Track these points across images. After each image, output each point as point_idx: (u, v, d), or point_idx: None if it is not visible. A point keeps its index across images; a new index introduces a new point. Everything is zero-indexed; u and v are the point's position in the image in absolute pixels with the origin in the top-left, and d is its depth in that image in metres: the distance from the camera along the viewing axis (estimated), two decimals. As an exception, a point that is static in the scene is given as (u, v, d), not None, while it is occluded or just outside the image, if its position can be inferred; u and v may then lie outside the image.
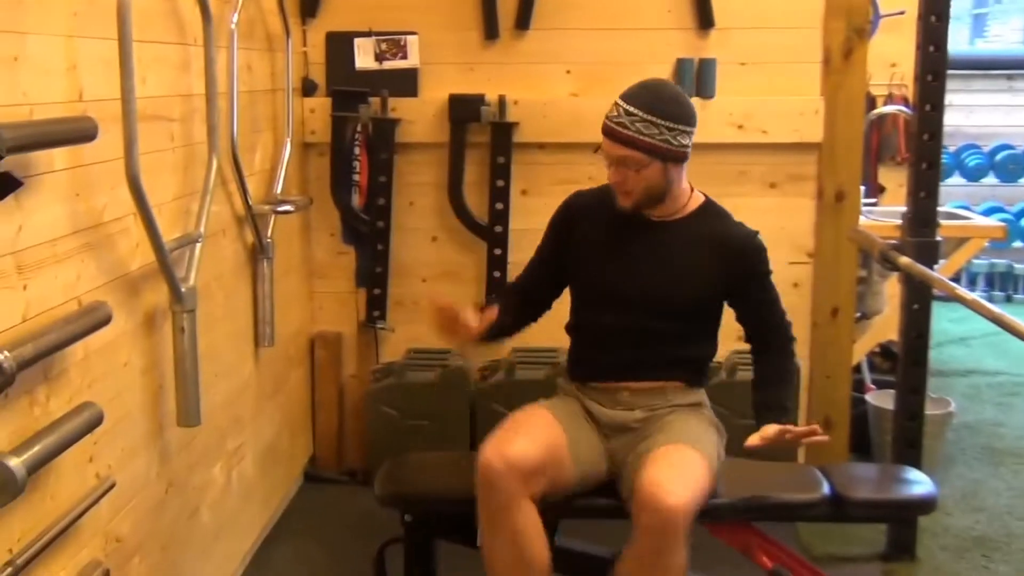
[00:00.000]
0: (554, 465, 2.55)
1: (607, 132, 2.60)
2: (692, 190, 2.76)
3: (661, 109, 2.57)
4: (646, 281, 2.70)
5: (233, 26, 3.09)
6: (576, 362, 2.85)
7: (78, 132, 2.09)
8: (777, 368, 2.77)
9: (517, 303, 2.86)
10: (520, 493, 2.46)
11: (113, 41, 2.23)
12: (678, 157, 2.62)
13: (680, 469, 2.46)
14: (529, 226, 3.96)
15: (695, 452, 2.55)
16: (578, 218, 2.81)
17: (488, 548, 2.51)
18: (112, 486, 2.28)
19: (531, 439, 2.53)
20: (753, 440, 2.58)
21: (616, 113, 2.59)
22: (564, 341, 3.94)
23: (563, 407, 2.74)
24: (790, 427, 2.57)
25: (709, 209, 2.77)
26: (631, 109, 2.56)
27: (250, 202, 3.22)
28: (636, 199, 2.64)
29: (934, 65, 3.27)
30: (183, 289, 2.58)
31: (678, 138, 2.59)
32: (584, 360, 2.82)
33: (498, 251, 3.99)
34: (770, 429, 2.57)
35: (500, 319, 2.71)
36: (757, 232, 2.76)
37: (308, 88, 4.00)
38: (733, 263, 2.70)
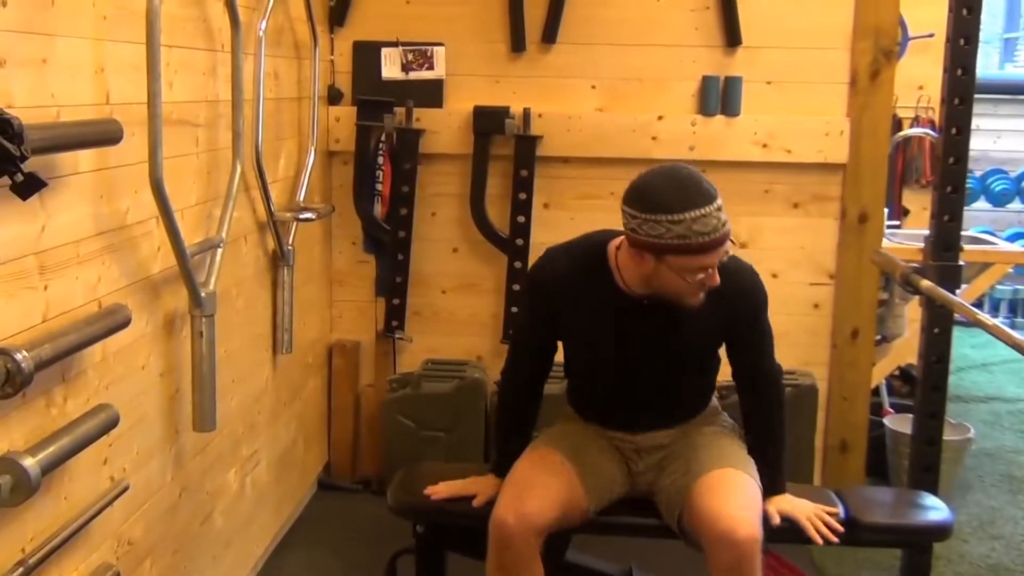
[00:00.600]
0: (568, 510, 2.52)
1: (718, 243, 2.36)
2: None
3: (716, 194, 2.39)
4: (651, 360, 2.60)
5: (261, 33, 3.10)
6: (580, 407, 2.77)
7: (103, 135, 2.10)
8: (770, 431, 2.67)
9: (528, 399, 2.76)
10: (534, 551, 2.44)
11: (141, 45, 2.24)
12: None
13: (742, 497, 2.46)
14: (550, 240, 3.94)
15: (747, 476, 2.54)
16: (561, 302, 2.60)
17: None
18: (126, 489, 2.29)
19: (545, 490, 2.49)
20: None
21: (715, 224, 2.34)
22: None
23: (574, 436, 2.68)
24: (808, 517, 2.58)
25: None
26: (710, 209, 2.34)
27: (272, 209, 3.23)
28: None
29: (961, 89, 3.24)
30: (203, 294, 2.59)
31: None
32: (590, 410, 2.75)
33: (518, 264, 3.99)
34: (779, 510, 2.57)
35: (517, 449, 2.68)
36: (753, 271, 2.61)
37: (334, 96, 4.01)
38: (731, 313, 2.56)
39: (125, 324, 2.21)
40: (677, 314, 2.51)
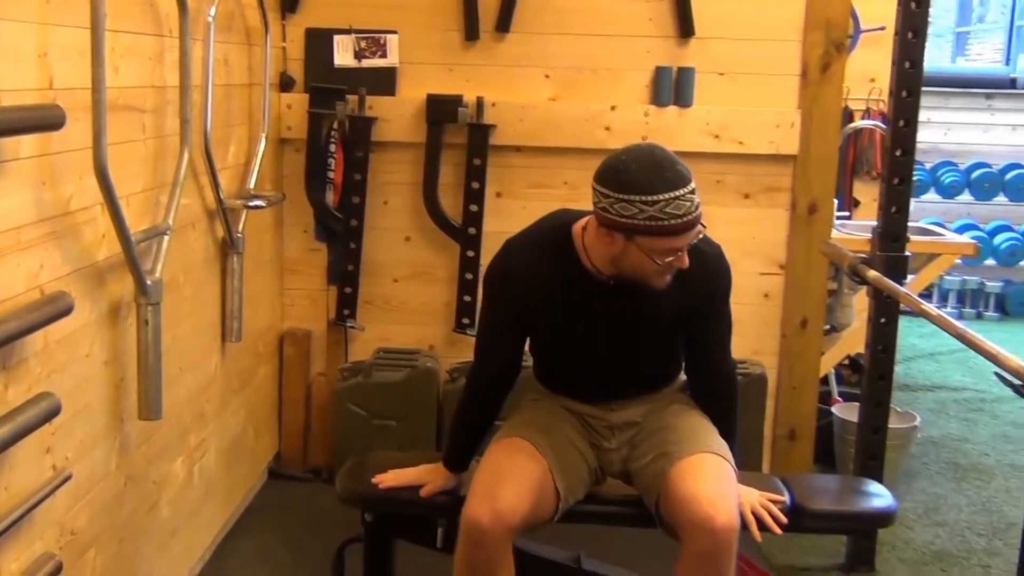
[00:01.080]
0: (540, 503, 2.48)
1: (689, 226, 2.34)
2: None
3: (690, 177, 2.37)
4: (621, 342, 2.58)
5: (210, 19, 3.07)
6: (549, 382, 2.74)
7: (44, 120, 2.08)
8: (724, 426, 2.65)
9: (493, 402, 2.69)
10: (506, 549, 2.41)
11: (86, 30, 2.22)
12: None
13: (720, 484, 2.44)
14: (503, 229, 3.94)
15: (724, 461, 2.53)
16: (527, 288, 2.54)
17: None
18: (68, 478, 2.26)
19: (518, 485, 2.42)
20: None
21: (688, 207, 2.32)
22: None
23: (543, 423, 2.63)
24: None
25: None
26: (684, 191, 2.32)
27: (222, 196, 3.21)
28: None
29: (909, 81, 3.29)
30: (149, 281, 2.56)
31: None
32: (560, 386, 2.72)
33: (471, 253, 3.99)
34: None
35: (473, 445, 2.68)
36: (721, 252, 2.59)
37: (285, 83, 3.98)
38: (696, 293, 2.54)
39: (67, 312, 2.19)
40: (645, 294, 2.49)
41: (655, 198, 2.30)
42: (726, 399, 2.70)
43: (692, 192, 2.34)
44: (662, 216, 2.30)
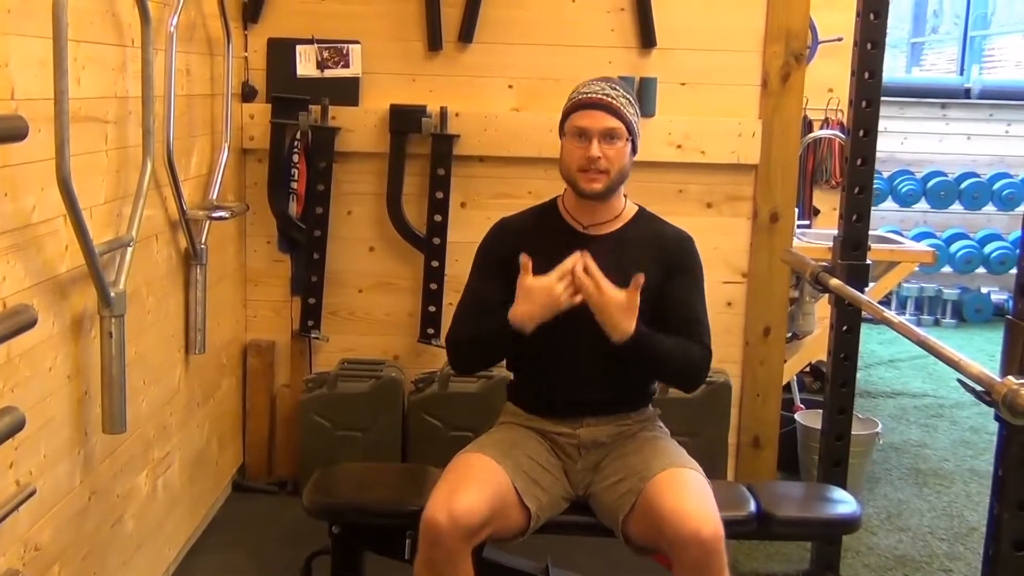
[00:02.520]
0: (502, 514, 2.50)
1: (593, 103, 2.61)
2: (626, 200, 2.78)
3: (632, 94, 2.69)
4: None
5: (172, 29, 3.05)
6: (526, 396, 2.78)
7: (7, 131, 2.04)
8: (681, 342, 2.67)
9: None
10: (463, 551, 2.42)
11: (48, 40, 2.20)
12: (636, 146, 2.69)
13: (699, 495, 2.47)
14: (467, 239, 3.97)
15: (697, 473, 2.57)
16: (514, 244, 2.68)
17: None
18: (32, 493, 2.23)
19: (477, 491, 2.46)
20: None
21: (597, 88, 2.64)
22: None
23: (505, 443, 2.66)
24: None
25: (643, 215, 2.80)
26: (610, 87, 2.64)
27: (185, 207, 3.19)
28: (610, 179, 2.63)
29: (868, 92, 3.32)
30: (112, 293, 2.54)
31: (639, 126, 2.68)
32: (538, 396, 2.75)
33: (435, 263, 3.98)
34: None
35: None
36: (692, 237, 2.80)
37: (248, 94, 3.96)
38: (666, 258, 2.72)
39: (31, 325, 2.15)
40: (620, 248, 2.69)
41: (578, 86, 2.70)
42: (691, 347, 2.70)
43: (613, 89, 2.64)
44: (573, 96, 2.67)
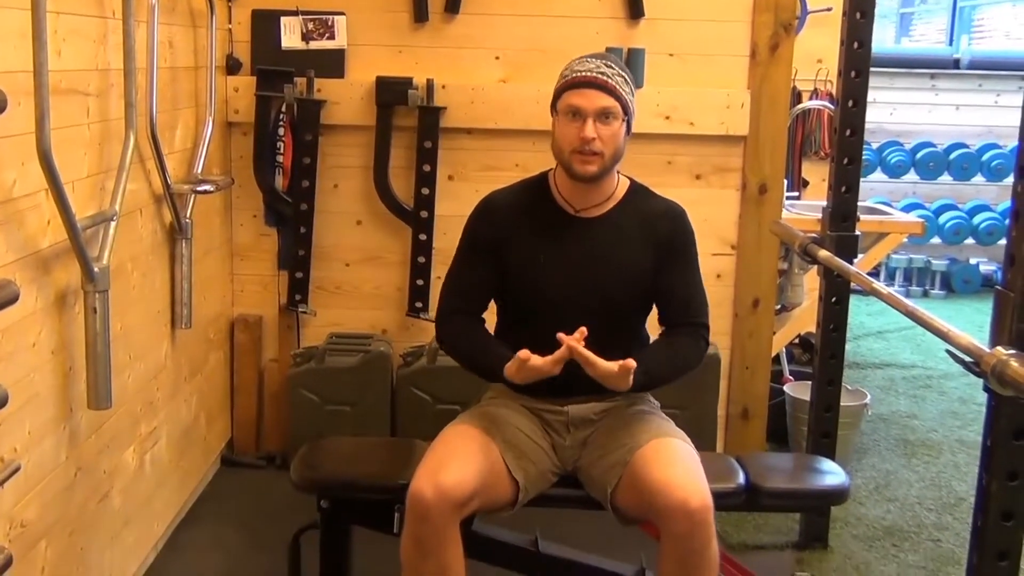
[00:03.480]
0: (490, 487, 2.49)
1: (588, 82, 2.52)
2: (619, 176, 2.72)
3: (628, 73, 2.60)
4: (588, 282, 2.62)
5: (154, 0, 3.01)
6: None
7: (-15, 104, 2.02)
8: (673, 346, 2.66)
9: (475, 319, 2.74)
10: (451, 524, 2.40)
11: (26, 11, 2.16)
12: (631, 126, 2.61)
13: (687, 465, 2.46)
14: (455, 212, 3.95)
15: (685, 443, 2.56)
16: (504, 226, 2.67)
17: (411, 572, 2.45)
18: (17, 470, 2.22)
19: (464, 465, 2.44)
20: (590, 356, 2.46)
21: (592, 66, 2.55)
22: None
23: (494, 416, 2.64)
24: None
25: (635, 191, 2.73)
26: (605, 65, 2.56)
27: (169, 181, 3.16)
28: (604, 161, 2.55)
29: (857, 62, 3.31)
30: (96, 268, 2.52)
31: (635, 104, 2.61)
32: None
33: (423, 236, 3.96)
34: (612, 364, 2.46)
35: (492, 340, 2.69)
36: (685, 211, 2.73)
37: (232, 66, 3.92)
38: (660, 233, 2.66)
39: (13, 300, 2.13)
40: (613, 233, 2.64)
41: (570, 63, 2.61)
42: (689, 332, 2.68)
43: (608, 67, 2.55)
44: (567, 73, 2.59)
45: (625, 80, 2.57)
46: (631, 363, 2.45)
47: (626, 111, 2.56)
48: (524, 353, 2.47)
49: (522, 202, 2.71)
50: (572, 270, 2.63)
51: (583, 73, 2.54)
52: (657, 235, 2.67)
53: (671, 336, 2.71)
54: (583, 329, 2.44)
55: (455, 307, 2.73)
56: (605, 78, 2.53)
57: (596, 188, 2.64)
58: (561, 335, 2.45)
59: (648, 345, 2.71)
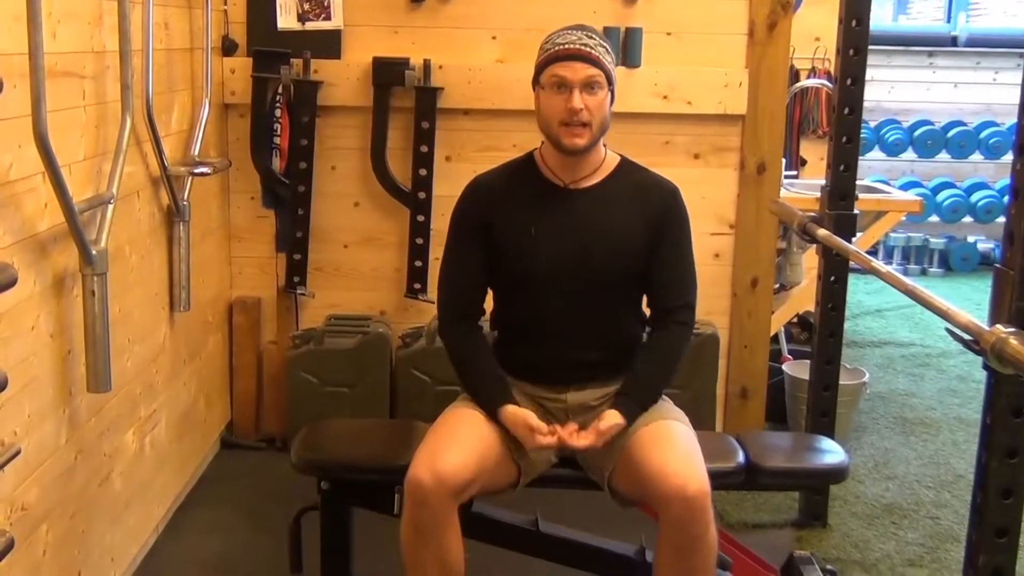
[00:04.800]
0: (490, 470, 2.49)
1: (571, 54, 2.50)
2: (606, 150, 2.69)
3: (607, 42, 2.59)
4: (580, 251, 2.59)
5: (149, -19, 3.00)
6: (512, 360, 2.70)
7: (-19, 87, 2.01)
8: (663, 354, 2.65)
9: (476, 331, 2.70)
10: (449, 510, 2.40)
11: (21, -7, 2.15)
12: (614, 95, 2.59)
13: (684, 449, 2.46)
14: (453, 193, 3.90)
15: (682, 425, 2.56)
16: (492, 205, 2.65)
17: (411, 558, 2.45)
18: (17, 453, 2.21)
19: (463, 449, 2.43)
20: (586, 437, 2.49)
21: (574, 38, 2.53)
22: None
23: None
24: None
25: (626, 166, 2.71)
26: (586, 36, 2.54)
27: (166, 163, 3.15)
28: (592, 132, 2.54)
29: (855, 40, 3.29)
30: (94, 251, 2.51)
31: (615, 73, 2.59)
32: (524, 362, 2.69)
33: (421, 217, 3.95)
34: (606, 424, 2.50)
35: (496, 372, 2.65)
36: (678, 189, 2.69)
37: (228, 48, 3.91)
38: (652, 208, 2.63)
39: (11, 284, 2.12)
40: (603, 202, 2.62)
41: (550, 36, 2.59)
42: (678, 325, 2.66)
43: (589, 37, 2.54)
44: (548, 46, 2.56)
45: (606, 50, 2.56)
46: (612, 423, 2.49)
47: (610, 80, 2.55)
48: (535, 423, 2.50)
49: (509, 181, 2.69)
50: (564, 240, 2.60)
51: (566, 45, 2.52)
52: (649, 208, 2.64)
53: (655, 338, 2.68)
54: (573, 426, 2.52)
55: (457, 311, 2.70)
56: (588, 49, 2.52)
57: (584, 160, 2.62)
58: (556, 427, 2.51)
59: (636, 366, 2.64)
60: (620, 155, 2.73)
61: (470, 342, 2.69)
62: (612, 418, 2.51)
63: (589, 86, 2.51)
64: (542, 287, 2.61)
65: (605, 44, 2.57)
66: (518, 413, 2.52)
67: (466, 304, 2.71)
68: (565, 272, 2.59)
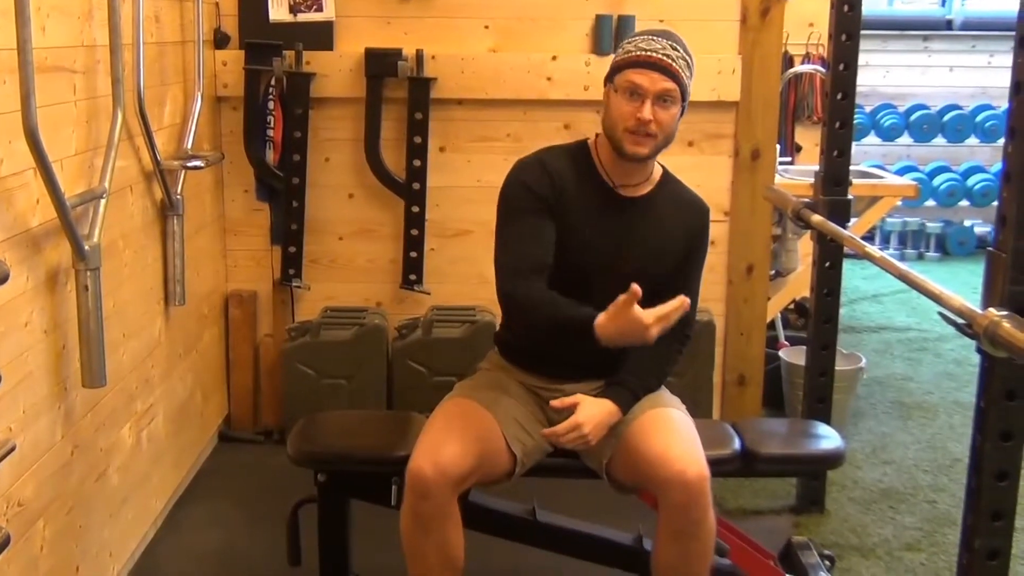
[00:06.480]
0: (488, 460, 2.48)
1: (650, 63, 2.44)
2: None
3: (691, 56, 2.53)
4: (624, 261, 2.56)
5: (139, -25, 2.99)
6: (515, 351, 2.70)
7: (-30, 83, 2.01)
8: (660, 352, 2.59)
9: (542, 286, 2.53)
10: (451, 501, 2.40)
11: (8, -12, 2.14)
12: (685, 110, 2.54)
13: (682, 435, 2.46)
14: (447, 183, 3.94)
15: (679, 412, 2.57)
16: (558, 189, 2.55)
17: (412, 549, 2.45)
18: (12, 449, 2.21)
19: (463, 440, 2.43)
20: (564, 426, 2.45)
21: (658, 46, 2.46)
22: (482, 299, 3.95)
23: (491, 388, 2.63)
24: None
25: (667, 178, 2.68)
26: (671, 47, 2.48)
27: (158, 157, 3.14)
28: (657, 144, 2.50)
29: (848, 25, 3.29)
30: (86, 247, 2.51)
31: (691, 89, 2.54)
32: (528, 353, 2.67)
33: (416, 209, 3.95)
34: (590, 408, 2.47)
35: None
36: (708, 208, 2.70)
37: (220, 40, 3.90)
38: (691, 226, 2.63)
39: (3, 280, 2.12)
40: (651, 215, 2.60)
41: (632, 36, 2.54)
42: (677, 332, 2.56)
43: (673, 48, 2.48)
44: (631, 48, 2.50)
45: (687, 64, 2.50)
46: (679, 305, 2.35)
47: (684, 96, 2.50)
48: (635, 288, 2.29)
49: (570, 168, 2.59)
50: (610, 247, 2.57)
51: (649, 52, 2.46)
52: (688, 225, 2.64)
53: (656, 343, 2.56)
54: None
55: (526, 265, 2.50)
56: (670, 60, 2.46)
57: (640, 168, 2.59)
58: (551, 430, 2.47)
59: (630, 362, 2.62)
60: (661, 164, 2.69)
61: (544, 292, 2.49)
62: (594, 406, 2.48)
63: (663, 99, 2.46)
64: (571, 287, 2.53)
65: (688, 57, 2.51)
66: (611, 312, 2.33)
67: (538, 265, 2.51)
68: (599, 276, 2.56)
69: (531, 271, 2.50)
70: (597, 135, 2.62)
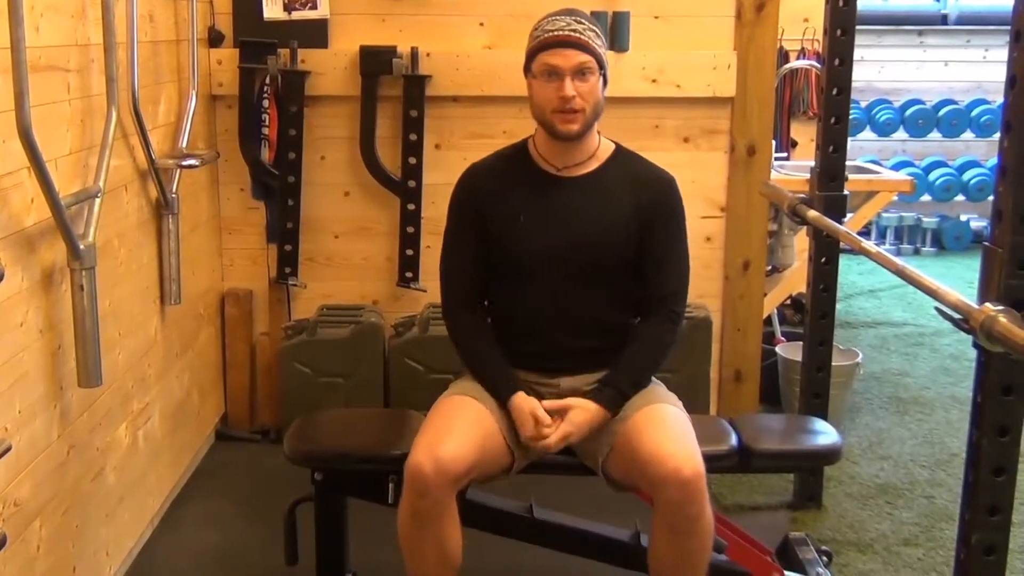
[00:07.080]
0: (487, 457, 2.49)
1: (561, 41, 2.49)
2: (600, 137, 2.69)
3: (597, 26, 2.58)
4: (571, 239, 2.59)
5: (132, -27, 2.98)
6: (504, 348, 2.69)
7: (-37, 83, 2.00)
8: (649, 342, 2.63)
9: (480, 318, 2.72)
10: (449, 498, 2.40)
11: (1, -12, 2.14)
12: (607, 79, 2.58)
13: (677, 432, 2.46)
14: (443, 181, 3.92)
15: (674, 408, 2.57)
16: (485, 192, 2.66)
17: (410, 546, 2.45)
18: (8, 449, 2.21)
19: (462, 437, 2.43)
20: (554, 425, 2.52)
21: (563, 24, 2.52)
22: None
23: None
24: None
25: (621, 154, 2.70)
26: (575, 21, 2.53)
27: (153, 156, 3.14)
28: (586, 118, 2.54)
29: (843, 20, 3.29)
30: (81, 246, 2.50)
31: (607, 57, 2.58)
32: (514, 349, 2.67)
33: (411, 206, 3.95)
34: (577, 416, 2.52)
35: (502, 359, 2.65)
36: (674, 179, 2.69)
37: (214, 39, 3.89)
38: (646, 198, 2.63)
39: (-2, 280, 2.13)
40: (595, 190, 2.62)
41: (539, 22, 2.58)
42: (665, 317, 2.64)
43: (578, 22, 2.54)
44: (538, 34, 2.56)
45: (596, 34, 2.55)
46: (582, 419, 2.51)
47: (601, 65, 2.55)
48: (541, 414, 2.52)
49: (502, 168, 2.70)
50: (554, 228, 2.60)
51: (555, 32, 2.52)
52: (643, 199, 2.63)
53: (642, 328, 2.66)
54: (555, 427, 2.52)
55: (459, 297, 2.71)
56: (578, 35, 2.51)
57: (578, 147, 2.63)
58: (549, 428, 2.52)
59: (620, 356, 2.63)
60: (615, 143, 2.72)
61: (474, 329, 2.70)
62: (582, 413, 2.52)
63: (580, 72, 2.51)
64: (532, 275, 2.61)
65: (595, 28, 2.57)
66: (524, 405, 2.53)
67: (468, 291, 2.71)
68: (554, 260, 2.59)
69: (464, 304, 2.71)
70: (536, 130, 2.67)
